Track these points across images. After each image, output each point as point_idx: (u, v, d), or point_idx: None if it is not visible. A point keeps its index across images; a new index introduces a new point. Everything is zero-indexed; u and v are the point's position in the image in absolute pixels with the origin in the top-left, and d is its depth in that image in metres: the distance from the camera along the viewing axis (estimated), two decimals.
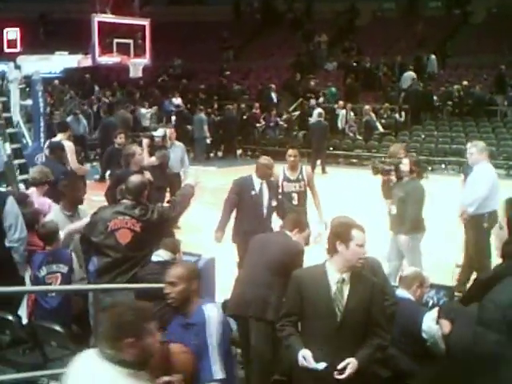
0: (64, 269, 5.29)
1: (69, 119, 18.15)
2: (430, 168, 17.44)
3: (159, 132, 11.34)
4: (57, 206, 6.35)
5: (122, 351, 2.81)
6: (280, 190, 7.81)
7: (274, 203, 7.44)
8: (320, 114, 18.46)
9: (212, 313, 3.87)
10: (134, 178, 5.94)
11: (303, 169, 8.08)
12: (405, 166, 7.34)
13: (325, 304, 3.99)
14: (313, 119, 19.09)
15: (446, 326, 3.83)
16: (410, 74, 21.69)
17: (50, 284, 5.19)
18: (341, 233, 4.09)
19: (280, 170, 7.95)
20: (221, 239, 7.37)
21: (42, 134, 15.90)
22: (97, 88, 23.14)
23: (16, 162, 11.67)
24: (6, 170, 10.89)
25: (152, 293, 5.24)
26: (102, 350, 2.82)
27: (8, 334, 4.87)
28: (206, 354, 3.72)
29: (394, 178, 7.55)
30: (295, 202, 7.81)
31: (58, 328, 4.64)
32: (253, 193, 7.32)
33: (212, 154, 20.72)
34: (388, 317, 4.57)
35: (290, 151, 8.10)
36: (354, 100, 21.22)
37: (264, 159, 7.66)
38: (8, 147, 11.49)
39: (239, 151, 20.98)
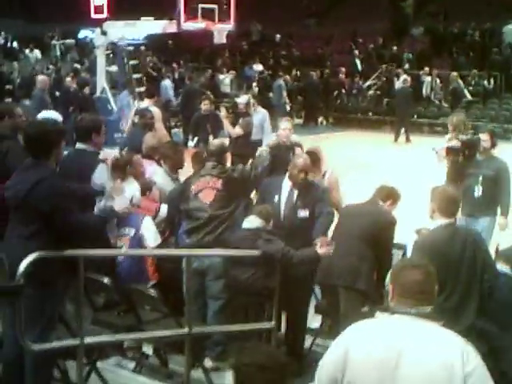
0: (131, 232, 5.33)
1: (165, 83, 18.29)
2: None
3: (242, 99, 11.23)
4: (161, 169, 6.49)
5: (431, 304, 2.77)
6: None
7: (303, 213, 5.57)
8: (405, 81, 17.98)
9: None
10: (216, 142, 6.12)
11: (326, 173, 6.50)
12: (486, 141, 6.77)
13: None
14: (397, 86, 18.63)
15: None
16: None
17: (121, 247, 5.24)
18: None
19: None
20: None
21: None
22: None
23: None
24: None
25: (243, 259, 5.26)
26: (411, 310, 2.72)
27: (103, 297, 4.97)
28: None
29: (461, 157, 6.92)
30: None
31: (151, 292, 4.70)
32: (276, 199, 5.67)
33: (293, 122, 20.55)
34: (487, 290, 4.43)
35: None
36: (425, 66, 20.51)
37: (299, 157, 5.87)
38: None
39: (320, 118, 20.76)
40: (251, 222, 5.31)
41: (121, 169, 5.51)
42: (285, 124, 7.67)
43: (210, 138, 10.73)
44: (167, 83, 18.71)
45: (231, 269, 5.30)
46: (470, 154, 6.80)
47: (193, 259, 5.24)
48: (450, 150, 6.87)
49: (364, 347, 2.68)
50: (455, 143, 6.91)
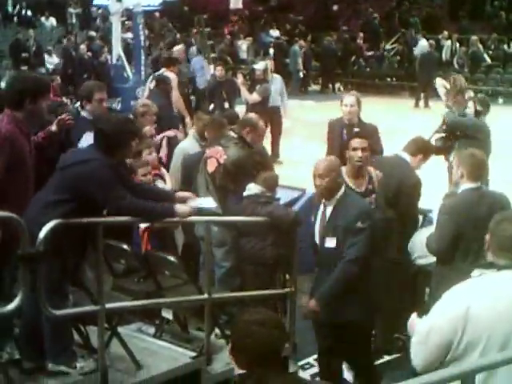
0: None
1: (193, 49, 18.09)
2: None
3: (260, 65, 11.14)
4: (191, 134, 6.49)
5: None
6: None
7: (330, 242, 4.39)
8: (431, 45, 17.71)
9: None
10: (250, 114, 6.04)
11: (373, 173, 5.05)
12: (469, 109, 6.78)
13: None
14: (419, 50, 18.35)
15: None
16: None
17: None
18: None
19: None
20: None
21: (142, 68, 16.08)
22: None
23: None
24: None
25: (246, 228, 5.24)
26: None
27: (123, 263, 4.98)
28: None
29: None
30: None
31: (171, 258, 4.70)
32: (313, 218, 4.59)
33: (310, 88, 20.40)
34: None
35: (356, 142, 4.92)
36: (435, 31, 20.20)
37: (327, 160, 4.53)
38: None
39: (338, 84, 20.56)
40: (250, 189, 5.22)
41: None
42: (349, 99, 6.27)
43: (226, 104, 10.67)
44: (194, 50, 18.52)
45: (238, 238, 5.27)
46: (456, 139, 6.68)
47: (198, 227, 5.26)
48: (439, 150, 6.65)
49: (485, 304, 2.71)
50: (440, 141, 6.68)
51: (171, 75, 9.58)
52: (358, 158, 4.84)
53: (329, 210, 4.40)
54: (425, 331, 2.80)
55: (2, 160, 4.15)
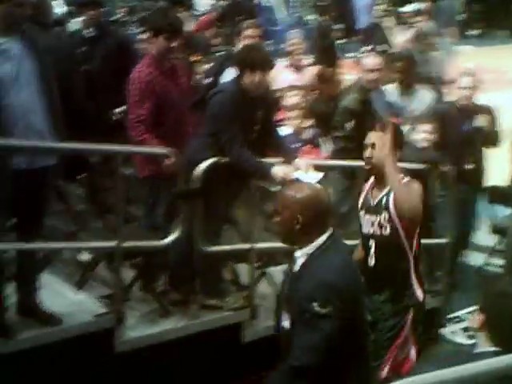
0: None
1: None
2: None
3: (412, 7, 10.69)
4: None
5: None
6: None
7: (286, 322, 2.75)
8: None
9: None
10: None
11: (393, 185, 3.48)
12: None
13: None
14: None
15: None
16: None
17: None
18: None
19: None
20: None
21: (292, 10, 15.94)
22: None
23: None
24: None
25: None
26: None
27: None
28: None
29: None
30: (371, 261, 3.58)
31: None
32: None
33: (469, 32, 19.34)
34: None
35: (367, 137, 3.61)
36: None
37: (291, 190, 2.82)
38: None
39: (500, 30, 19.34)
40: None
41: None
42: (466, 80, 5.36)
43: None
44: None
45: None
46: None
47: None
48: None
49: None
50: None
51: None
52: (366, 159, 3.60)
53: (295, 267, 2.71)
54: None
55: (147, 106, 4.19)
